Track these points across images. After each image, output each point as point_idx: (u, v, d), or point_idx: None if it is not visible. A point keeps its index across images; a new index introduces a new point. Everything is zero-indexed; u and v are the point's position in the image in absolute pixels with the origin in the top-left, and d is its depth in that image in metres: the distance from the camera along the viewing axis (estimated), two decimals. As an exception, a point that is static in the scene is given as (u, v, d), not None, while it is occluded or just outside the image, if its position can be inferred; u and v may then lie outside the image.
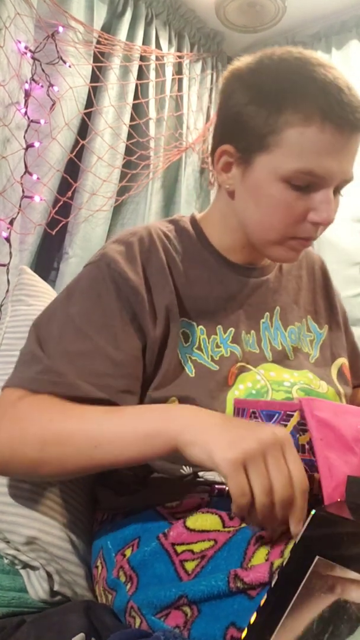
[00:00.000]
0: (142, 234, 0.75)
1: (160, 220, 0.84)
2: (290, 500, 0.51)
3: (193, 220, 0.81)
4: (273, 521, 0.52)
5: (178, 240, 0.78)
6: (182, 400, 0.68)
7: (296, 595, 0.36)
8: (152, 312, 0.71)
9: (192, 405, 0.64)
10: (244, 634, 0.40)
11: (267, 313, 0.80)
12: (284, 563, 0.39)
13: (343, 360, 0.85)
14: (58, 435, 0.61)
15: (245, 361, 0.74)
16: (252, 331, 0.77)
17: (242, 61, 0.73)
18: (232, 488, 0.51)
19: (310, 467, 0.57)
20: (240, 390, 0.71)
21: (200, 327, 0.74)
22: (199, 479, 0.69)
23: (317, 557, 0.36)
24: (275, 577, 0.48)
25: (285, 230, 0.71)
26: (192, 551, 0.59)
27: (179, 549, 0.60)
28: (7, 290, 1.21)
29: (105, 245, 0.76)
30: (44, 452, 0.61)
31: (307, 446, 0.57)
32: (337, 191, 0.71)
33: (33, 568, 0.72)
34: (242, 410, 0.66)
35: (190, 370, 0.71)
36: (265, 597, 0.39)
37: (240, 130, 0.70)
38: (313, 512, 0.37)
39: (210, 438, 0.54)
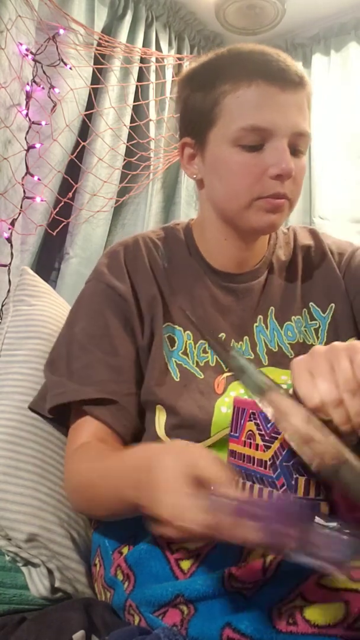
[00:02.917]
0: (128, 242, 0.80)
1: (155, 227, 0.87)
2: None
3: (187, 228, 0.83)
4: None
5: (167, 248, 0.80)
6: (168, 409, 0.71)
7: None
8: (140, 317, 0.75)
9: (171, 413, 0.70)
10: None
11: (260, 316, 0.79)
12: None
13: (351, 340, 0.79)
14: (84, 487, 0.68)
15: None
16: (245, 337, 0.77)
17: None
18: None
19: (307, 471, 0.57)
20: (230, 397, 0.71)
21: (188, 332, 0.75)
22: None
23: None
24: (269, 574, 0.48)
25: (249, 191, 0.71)
26: (186, 549, 0.59)
27: (174, 546, 0.61)
28: (9, 291, 1.22)
29: (98, 261, 0.81)
30: (87, 502, 0.69)
31: None
32: (296, 151, 0.71)
33: (34, 565, 0.73)
34: (242, 410, 0.66)
35: (175, 374, 0.73)
36: None
37: (189, 119, 0.75)
38: None
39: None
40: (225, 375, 0.73)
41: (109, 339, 0.73)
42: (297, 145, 0.71)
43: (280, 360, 0.76)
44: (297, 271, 0.83)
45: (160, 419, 0.71)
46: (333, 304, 0.81)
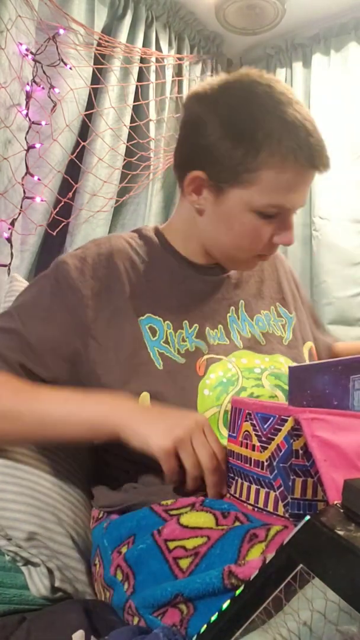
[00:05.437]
0: (100, 246, 0.83)
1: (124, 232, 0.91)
2: (215, 468, 0.65)
3: (156, 230, 0.89)
4: (198, 487, 0.67)
5: (140, 245, 0.85)
6: (153, 395, 0.74)
7: (271, 597, 0.37)
8: (95, 311, 0.78)
9: (156, 399, 0.74)
10: (213, 617, 0.40)
11: (232, 307, 0.86)
12: (266, 561, 0.39)
13: (311, 344, 0.93)
14: (8, 412, 0.72)
15: (213, 353, 0.80)
16: (220, 325, 0.83)
17: (207, 88, 0.77)
18: (166, 470, 0.65)
19: (304, 472, 0.57)
20: (211, 379, 0.77)
21: (167, 322, 0.80)
22: None
23: (300, 566, 0.36)
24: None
25: (253, 250, 0.80)
26: (184, 548, 0.60)
27: (171, 545, 0.61)
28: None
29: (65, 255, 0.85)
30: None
31: (300, 451, 0.57)
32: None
33: (34, 565, 0.73)
34: (239, 410, 0.66)
35: (158, 363, 0.77)
36: (242, 588, 0.39)
37: (213, 162, 0.74)
38: (307, 518, 0.37)
39: (146, 431, 0.66)
40: (205, 357, 0.79)
41: (50, 325, 0.77)
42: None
43: (253, 345, 0.83)
44: (264, 272, 0.93)
45: (145, 403, 0.75)
46: (295, 311, 0.93)
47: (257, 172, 0.72)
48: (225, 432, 0.75)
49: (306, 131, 0.72)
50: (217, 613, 0.40)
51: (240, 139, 0.72)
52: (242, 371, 0.79)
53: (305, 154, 0.71)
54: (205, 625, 0.41)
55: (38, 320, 0.78)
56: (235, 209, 0.75)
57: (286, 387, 0.80)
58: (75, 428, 0.71)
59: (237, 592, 0.39)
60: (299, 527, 0.37)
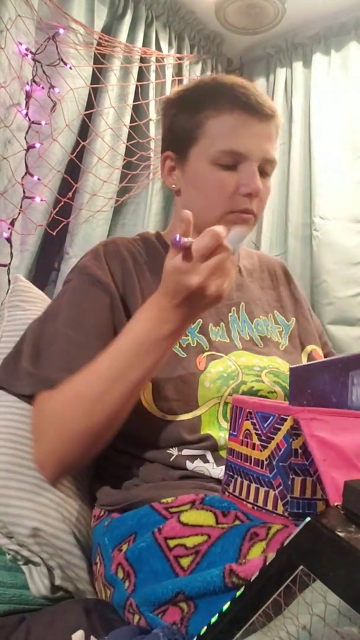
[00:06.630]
0: (107, 241, 0.90)
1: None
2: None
3: (157, 235, 0.94)
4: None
5: (142, 247, 0.89)
6: (155, 386, 0.77)
7: (271, 599, 0.37)
8: (122, 300, 0.81)
9: (156, 389, 0.76)
10: (213, 619, 0.40)
11: (234, 308, 0.89)
12: (267, 561, 0.39)
13: (313, 347, 0.94)
14: (90, 406, 0.70)
15: (214, 350, 0.82)
16: (222, 323, 0.86)
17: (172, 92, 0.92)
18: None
19: (303, 471, 0.57)
20: (211, 373, 0.79)
21: None
22: (187, 470, 0.74)
23: (300, 567, 0.36)
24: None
25: (223, 205, 0.82)
26: (184, 546, 0.60)
27: (172, 543, 0.61)
28: (8, 291, 1.22)
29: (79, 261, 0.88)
30: (86, 418, 0.71)
31: (300, 450, 0.57)
32: (264, 173, 0.83)
33: (35, 564, 0.73)
34: (240, 409, 0.66)
35: None
36: (242, 590, 0.39)
37: (174, 136, 0.87)
38: (307, 519, 0.37)
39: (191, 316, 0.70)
40: (205, 354, 0.81)
41: (93, 321, 0.78)
42: (265, 169, 0.83)
43: (251, 347, 0.86)
44: (264, 281, 0.96)
45: (145, 393, 0.77)
46: (294, 318, 0.95)
47: (203, 126, 0.81)
48: (225, 424, 0.77)
49: (241, 85, 0.82)
50: (217, 614, 0.40)
51: (187, 107, 0.84)
52: (242, 368, 0.81)
53: (242, 101, 0.80)
54: (205, 627, 0.41)
55: (83, 316, 0.80)
56: (197, 168, 0.83)
57: (285, 385, 0.81)
58: (135, 362, 0.70)
59: (238, 593, 0.39)
60: (299, 528, 0.37)
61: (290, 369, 0.61)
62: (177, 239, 0.63)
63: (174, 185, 0.88)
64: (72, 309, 0.80)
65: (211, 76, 0.92)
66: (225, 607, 0.39)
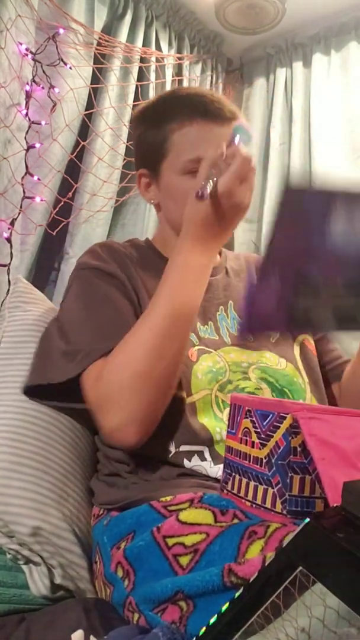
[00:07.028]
0: (102, 242, 0.93)
1: None
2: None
3: (146, 240, 0.98)
4: None
5: (133, 250, 0.92)
6: None
7: (270, 600, 0.37)
8: (134, 290, 0.84)
9: None
10: (212, 619, 0.40)
11: (222, 306, 0.91)
12: (266, 562, 0.39)
13: (304, 336, 0.95)
14: (151, 351, 0.71)
15: (203, 345, 0.84)
16: (210, 322, 0.88)
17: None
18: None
19: (302, 469, 0.57)
20: (202, 366, 0.82)
21: None
22: (185, 468, 0.75)
23: (299, 568, 0.36)
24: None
25: None
26: (183, 544, 0.60)
27: (170, 541, 0.61)
28: (8, 291, 1.22)
29: (78, 260, 0.90)
30: (158, 362, 0.72)
31: (298, 449, 0.57)
32: None
33: (35, 563, 0.73)
34: (239, 407, 0.67)
35: None
36: (241, 590, 0.39)
37: (144, 152, 0.91)
38: (306, 520, 0.37)
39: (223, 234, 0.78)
40: (196, 348, 0.84)
41: (112, 303, 0.81)
42: None
43: (241, 342, 0.87)
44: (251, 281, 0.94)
45: None
46: None
47: (169, 140, 0.85)
48: (219, 414, 0.79)
49: (198, 94, 0.86)
50: (216, 615, 0.40)
51: (151, 123, 0.88)
52: (230, 365, 0.83)
53: (200, 110, 0.83)
54: (204, 628, 0.41)
55: (101, 299, 0.82)
56: (170, 180, 0.86)
57: (272, 380, 0.82)
58: (185, 286, 0.75)
59: (237, 594, 0.39)
60: (298, 529, 0.37)
61: (285, 190, 0.55)
62: (200, 193, 0.70)
63: (152, 201, 0.92)
64: (87, 296, 0.83)
65: (170, 90, 0.96)
66: (224, 607, 0.39)
